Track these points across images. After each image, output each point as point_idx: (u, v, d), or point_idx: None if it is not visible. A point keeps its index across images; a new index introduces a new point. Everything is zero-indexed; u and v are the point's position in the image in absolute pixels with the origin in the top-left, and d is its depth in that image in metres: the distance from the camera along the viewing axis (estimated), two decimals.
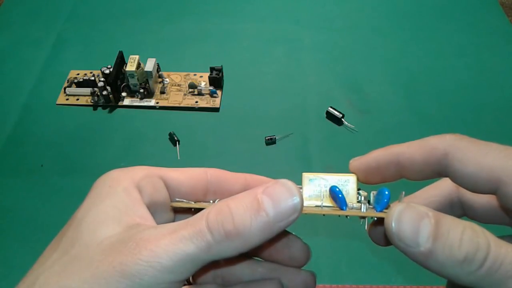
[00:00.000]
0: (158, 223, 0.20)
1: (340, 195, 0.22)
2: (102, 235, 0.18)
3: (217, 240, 0.17)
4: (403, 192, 0.20)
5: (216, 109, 0.60)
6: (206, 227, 0.17)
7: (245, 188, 0.22)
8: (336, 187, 0.22)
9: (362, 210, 0.22)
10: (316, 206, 0.22)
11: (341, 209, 0.21)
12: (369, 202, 0.22)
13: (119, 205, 0.19)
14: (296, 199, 0.18)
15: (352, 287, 0.44)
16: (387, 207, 0.21)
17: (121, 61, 0.61)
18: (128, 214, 0.19)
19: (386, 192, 0.21)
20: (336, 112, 0.58)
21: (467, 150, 0.19)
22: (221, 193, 0.23)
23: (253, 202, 0.18)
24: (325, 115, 0.59)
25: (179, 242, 0.17)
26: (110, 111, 0.60)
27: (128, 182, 0.20)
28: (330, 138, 0.57)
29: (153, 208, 0.21)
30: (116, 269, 0.17)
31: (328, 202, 0.22)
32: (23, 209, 0.51)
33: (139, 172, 0.21)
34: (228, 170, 0.24)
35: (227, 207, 0.18)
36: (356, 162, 0.23)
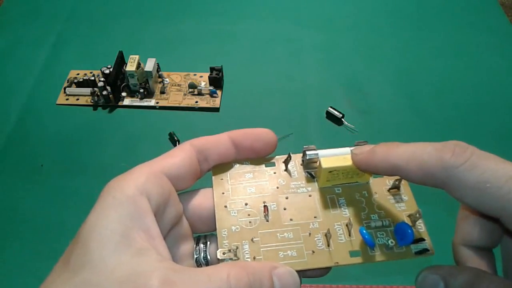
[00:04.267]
0: (168, 217, 0.21)
1: (366, 237, 0.22)
2: (111, 261, 0.18)
3: None
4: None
5: (216, 109, 0.60)
6: None
7: (233, 144, 0.24)
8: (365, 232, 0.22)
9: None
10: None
11: (370, 247, 0.22)
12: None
13: (124, 220, 0.19)
14: None
15: (352, 287, 0.44)
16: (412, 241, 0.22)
17: (121, 61, 0.61)
18: (134, 229, 0.19)
19: (409, 231, 0.22)
20: (336, 112, 0.58)
21: (465, 183, 0.19)
22: (212, 158, 0.24)
23: (269, 282, 0.20)
24: (325, 115, 0.59)
25: None
26: (110, 111, 0.60)
27: (132, 189, 0.20)
28: (330, 138, 0.57)
29: (163, 207, 0.21)
30: None
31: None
32: (23, 209, 0.51)
33: (142, 174, 0.21)
34: None
35: (247, 278, 0.19)
36: (358, 158, 0.23)
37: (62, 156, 0.56)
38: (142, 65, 0.60)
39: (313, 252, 0.21)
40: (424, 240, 0.22)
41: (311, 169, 0.24)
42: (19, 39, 0.70)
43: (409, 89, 0.63)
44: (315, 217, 0.22)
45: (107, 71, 0.59)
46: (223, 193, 0.23)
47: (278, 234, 0.22)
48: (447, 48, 0.69)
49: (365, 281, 0.44)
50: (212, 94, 0.61)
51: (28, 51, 0.68)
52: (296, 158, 0.25)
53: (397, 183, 0.24)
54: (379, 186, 0.24)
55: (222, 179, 0.24)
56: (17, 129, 0.58)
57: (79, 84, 0.62)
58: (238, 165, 0.24)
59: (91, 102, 0.61)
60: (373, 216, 0.23)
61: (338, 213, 0.23)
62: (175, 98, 0.61)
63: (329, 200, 0.23)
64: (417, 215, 0.22)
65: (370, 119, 0.59)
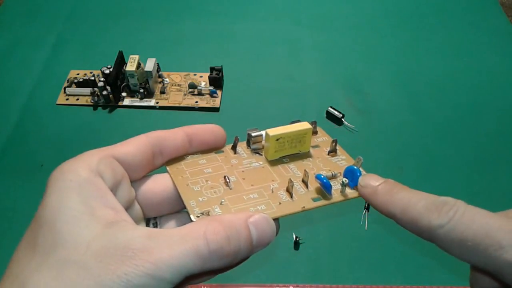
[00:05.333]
0: (121, 201, 0.21)
1: (325, 181, 0.24)
2: (84, 236, 0.18)
3: (212, 259, 0.19)
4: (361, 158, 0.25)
5: (216, 109, 0.60)
6: (207, 248, 0.18)
7: (188, 140, 0.25)
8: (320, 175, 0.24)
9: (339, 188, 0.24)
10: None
11: (328, 194, 0.24)
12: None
13: (87, 199, 0.19)
14: (274, 238, 0.21)
15: (352, 287, 0.44)
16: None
17: (121, 61, 0.61)
18: (99, 207, 0.19)
19: (358, 174, 0.24)
20: (336, 112, 0.58)
21: (450, 241, 0.20)
22: (167, 152, 0.24)
23: (246, 231, 0.20)
24: (325, 115, 0.59)
25: (180, 258, 0.18)
26: (110, 111, 0.60)
27: (87, 171, 0.20)
28: None
29: (115, 189, 0.21)
30: (121, 279, 0.17)
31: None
32: (23, 209, 0.50)
33: (93, 157, 0.21)
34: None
35: (223, 232, 0.19)
36: (362, 191, 0.24)
37: (62, 156, 0.55)
38: (142, 65, 0.60)
39: (280, 203, 0.23)
40: None
41: (257, 148, 0.27)
42: (19, 39, 0.70)
43: (409, 89, 0.63)
44: (273, 181, 0.25)
45: (107, 71, 0.59)
46: (182, 177, 0.24)
47: (244, 196, 0.23)
48: (447, 48, 0.69)
49: (365, 281, 0.44)
50: (212, 94, 0.61)
51: (28, 51, 0.68)
52: (241, 145, 0.27)
53: (334, 144, 0.27)
54: (319, 152, 0.27)
55: (178, 168, 0.25)
56: (17, 129, 0.58)
57: (79, 84, 0.62)
58: (190, 156, 0.26)
59: (91, 102, 0.61)
60: (322, 172, 0.25)
61: (292, 175, 0.25)
62: (175, 98, 0.61)
63: (281, 168, 0.26)
64: (359, 162, 0.25)
65: (370, 119, 0.59)
